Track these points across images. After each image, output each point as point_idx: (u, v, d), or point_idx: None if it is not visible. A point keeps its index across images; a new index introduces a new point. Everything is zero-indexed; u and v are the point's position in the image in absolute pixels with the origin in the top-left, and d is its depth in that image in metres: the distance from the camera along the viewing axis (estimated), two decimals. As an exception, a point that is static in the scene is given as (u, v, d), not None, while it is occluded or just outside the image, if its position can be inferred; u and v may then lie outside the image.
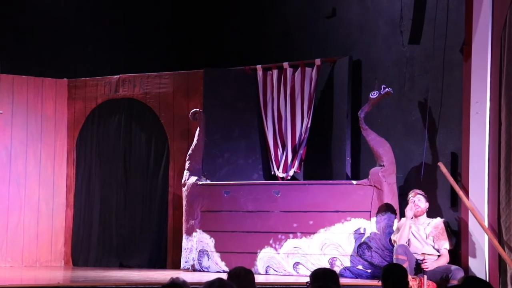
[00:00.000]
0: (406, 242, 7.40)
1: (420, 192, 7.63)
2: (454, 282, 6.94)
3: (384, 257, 7.83)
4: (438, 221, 7.53)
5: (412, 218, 7.54)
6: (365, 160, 8.60)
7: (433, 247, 7.40)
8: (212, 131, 9.11)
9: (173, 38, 10.80)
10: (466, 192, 7.48)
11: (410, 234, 7.45)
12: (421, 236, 7.45)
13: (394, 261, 7.17)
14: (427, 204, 7.61)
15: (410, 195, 7.65)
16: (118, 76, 9.83)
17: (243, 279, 4.01)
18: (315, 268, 4.83)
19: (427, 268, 7.15)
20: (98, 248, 9.73)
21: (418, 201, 7.57)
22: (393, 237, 7.57)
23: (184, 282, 3.86)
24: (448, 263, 7.38)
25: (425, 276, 7.02)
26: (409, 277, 7.01)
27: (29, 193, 9.68)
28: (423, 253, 7.32)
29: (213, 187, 8.74)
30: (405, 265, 6.98)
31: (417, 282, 6.98)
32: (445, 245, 7.38)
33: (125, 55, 10.50)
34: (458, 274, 7.05)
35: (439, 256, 7.39)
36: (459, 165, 7.71)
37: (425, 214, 7.59)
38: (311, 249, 8.19)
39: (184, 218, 8.83)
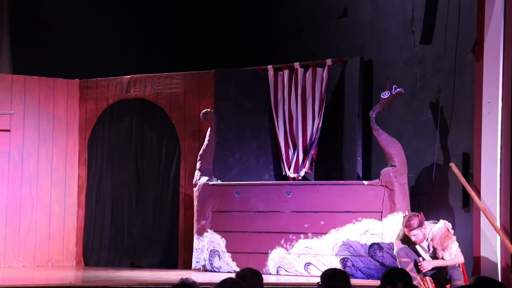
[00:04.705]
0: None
1: (412, 227, 7.08)
2: (457, 283, 6.87)
3: (395, 258, 7.80)
4: (436, 230, 7.18)
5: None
6: (376, 161, 8.58)
7: (443, 256, 7.23)
8: (223, 131, 9.11)
9: (184, 38, 10.82)
10: (478, 193, 7.44)
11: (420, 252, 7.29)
12: (428, 253, 7.29)
13: (398, 265, 7.11)
14: (424, 231, 7.14)
15: (404, 229, 7.20)
16: (129, 76, 9.85)
17: (250, 280, 3.99)
18: (326, 269, 4.81)
19: (424, 269, 7.07)
20: (109, 248, 9.75)
21: (414, 237, 7.13)
22: (395, 241, 7.46)
23: (194, 283, 3.86)
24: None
25: (428, 278, 6.99)
26: (418, 277, 6.96)
27: (41, 193, 9.72)
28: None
29: (224, 187, 8.74)
30: (410, 267, 6.93)
31: (423, 282, 6.94)
32: (446, 256, 7.12)
33: (136, 56, 10.52)
34: (454, 274, 6.98)
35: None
36: (471, 166, 7.68)
37: (428, 229, 7.21)
38: (322, 250, 8.18)
39: (195, 218, 8.84)
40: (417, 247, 7.24)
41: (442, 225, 7.21)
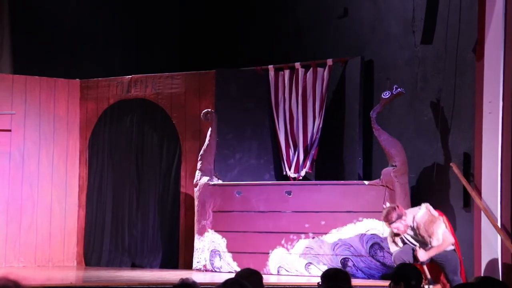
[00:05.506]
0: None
1: (391, 220, 7.07)
2: None
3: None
4: (419, 218, 7.14)
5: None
6: (377, 161, 8.57)
7: (431, 242, 7.19)
8: (224, 131, 9.11)
9: (185, 38, 10.82)
10: (479, 193, 7.44)
11: (409, 244, 7.26)
12: (416, 240, 7.26)
13: None
14: (404, 221, 7.09)
15: (384, 223, 7.24)
16: (130, 76, 9.85)
17: (248, 280, 3.98)
18: (327, 268, 4.80)
19: (421, 259, 7.04)
20: (110, 248, 9.75)
21: (396, 230, 7.15)
22: (388, 237, 7.43)
23: (194, 283, 3.86)
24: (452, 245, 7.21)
25: (425, 267, 6.98)
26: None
27: (42, 193, 9.71)
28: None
29: (224, 187, 8.74)
30: None
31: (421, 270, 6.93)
32: (434, 242, 7.09)
33: (136, 56, 10.52)
34: (454, 281, 6.96)
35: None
36: (472, 166, 7.67)
37: (409, 220, 7.22)
38: (323, 250, 8.18)
39: (196, 218, 8.84)
40: (408, 237, 7.20)
41: (425, 211, 7.20)
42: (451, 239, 7.17)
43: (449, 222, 7.33)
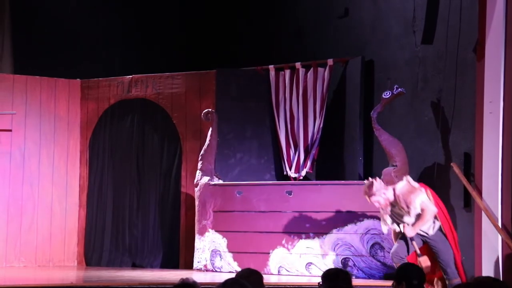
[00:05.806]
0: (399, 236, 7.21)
1: (369, 193, 6.99)
2: (453, 282, 6.86)
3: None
4: (398, 191, 7.03)
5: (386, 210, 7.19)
6: (377, 160, 8.58)
7: (409, 213, 7.03)
8: (225, 131, 9.12)
9: (186, 38, 10.82)
10: (480, 193, 7.44)
11: (394, 223, 7.19)
12: (399, 215, 7.19)
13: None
14: (384, 195, 6.98)
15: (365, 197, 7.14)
16: (130, 76, 9.85)
17: (247, 280, 3.98)
18: (327, 268, 4.81)
19: (409, 236, 7.01)
20: (111, 248, 9.76)
21: (377, 204, 7.07)
22: (381, 224, 7.33)
23: (194, 283, 3.86)
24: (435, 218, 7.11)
25: (414, 242, 6.95)
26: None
27: (42, 193, 9.72)
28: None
29: (225, 187, 8.75)
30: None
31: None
32: (413, 209, 6.99)
33: (137, 56, 10.52)
34: (448, 273, 6.95)
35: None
36: (472, 165, 7.67)
37: (389, 194, 7.10)
38: (323, 250, 8.18)
39: (196, 218, 8.84)
40: (393, 213, 7.12)
41: (405, 182, 7.11)
42: (432, 208, 7.00)
43: (435, 195, 7.18)
